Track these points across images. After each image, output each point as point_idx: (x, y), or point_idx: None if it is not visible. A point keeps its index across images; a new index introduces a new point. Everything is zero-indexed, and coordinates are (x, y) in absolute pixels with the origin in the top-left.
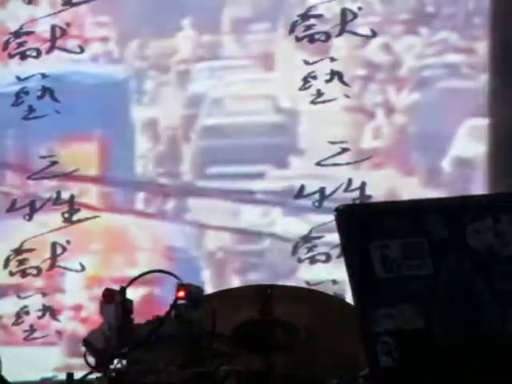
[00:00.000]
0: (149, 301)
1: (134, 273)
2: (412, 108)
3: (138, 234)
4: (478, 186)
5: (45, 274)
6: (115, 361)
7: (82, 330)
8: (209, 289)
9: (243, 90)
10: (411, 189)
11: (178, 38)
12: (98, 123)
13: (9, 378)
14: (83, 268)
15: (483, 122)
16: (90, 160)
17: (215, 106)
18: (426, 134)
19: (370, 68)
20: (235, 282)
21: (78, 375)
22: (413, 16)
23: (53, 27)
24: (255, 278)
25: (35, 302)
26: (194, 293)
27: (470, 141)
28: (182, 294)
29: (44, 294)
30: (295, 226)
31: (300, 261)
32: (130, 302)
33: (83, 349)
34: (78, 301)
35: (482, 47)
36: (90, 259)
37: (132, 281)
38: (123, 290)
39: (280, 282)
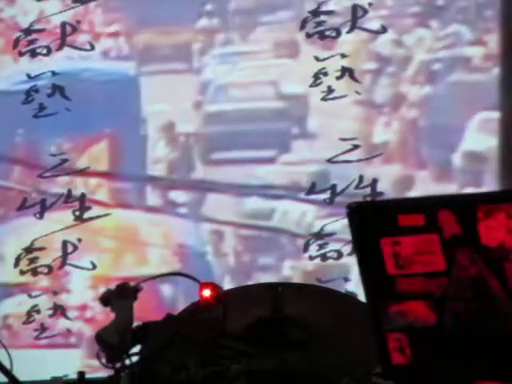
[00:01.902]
0: (152, 298)
1: (145, 271)
2: (423, 102)
3: (149, 231)
4: (490, 180)
5: (55, 273)
6: (132, 357)
7: (90, 331)
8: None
9: (251, 77)
10: (423, 183)
11: (186, 30)
12: (108, 120)
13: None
14: (94, 266)
15: (495, 115)
16: (101, 157)
17: (223, 93)
18: (438, 127)
19: (380, 62)
20: (247, 279)
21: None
22: (423, 9)
23: (63, 24)
24: (266, 274)
25: (46, 301)
26: (216, 292)
27: (482, 134)
28: (206, 292)
29: (54, 293)
30: (305, 219)
31: (311, 258)
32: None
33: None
34: (84, 301)
35: (494, 40)
36: (101, 257)
37: (146, 279)
38: (138, 286)
39: (291, 279)
